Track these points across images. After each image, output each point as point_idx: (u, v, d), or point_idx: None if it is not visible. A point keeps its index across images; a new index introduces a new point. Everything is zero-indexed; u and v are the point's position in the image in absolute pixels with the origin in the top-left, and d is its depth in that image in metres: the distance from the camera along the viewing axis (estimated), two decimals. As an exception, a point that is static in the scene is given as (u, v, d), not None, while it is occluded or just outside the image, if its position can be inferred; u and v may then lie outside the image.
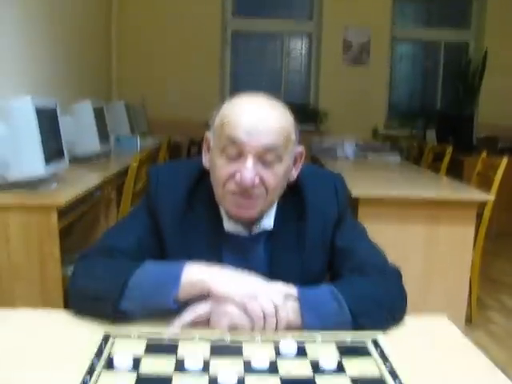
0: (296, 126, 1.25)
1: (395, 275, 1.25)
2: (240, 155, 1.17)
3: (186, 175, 1.32)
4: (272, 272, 1.24)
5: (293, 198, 1.31)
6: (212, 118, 1.25)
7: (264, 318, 1.05)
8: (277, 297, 1.07)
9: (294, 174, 1.29)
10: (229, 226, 1.29)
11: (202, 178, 1.30)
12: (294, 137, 1.23)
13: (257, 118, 1.17)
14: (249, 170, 1.15)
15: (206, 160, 1.28)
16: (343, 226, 1.34)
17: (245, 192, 1.18)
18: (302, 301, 1.10)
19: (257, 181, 1.17)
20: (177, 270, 1.11)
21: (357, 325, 1.09)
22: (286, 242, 1.30)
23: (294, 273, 1.26)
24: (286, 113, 1.23)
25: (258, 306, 1.06)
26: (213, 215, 1.29)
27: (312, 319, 1.08)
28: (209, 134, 1.27)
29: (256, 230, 1.29)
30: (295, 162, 1.28)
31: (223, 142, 1.18)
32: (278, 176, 1.20)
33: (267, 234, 1.31)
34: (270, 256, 1.30)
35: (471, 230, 2.94)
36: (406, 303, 1.21)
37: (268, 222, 1.30)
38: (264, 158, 1.17)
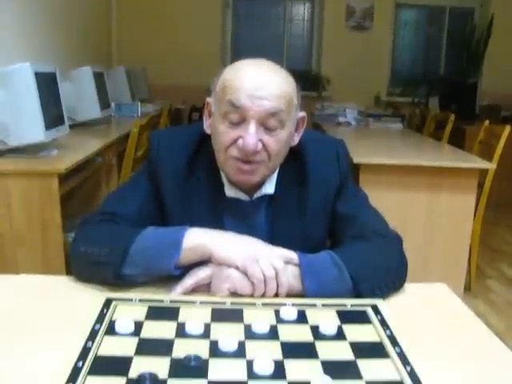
0: (298, 91, 1.24)
1: (396, 241, 1.26)
2: (242, 120, 1.16)
3: (187, 140, 1.31)
4: (273, 237, 1.24)
5: (294, 163, 1.31)
6: (213, 82, 1.24)
7: (265, 281, 1.06)
8: (277, 261, 1.08)
9: (296, 139, 1.29)
10: (230, 191, 1.29)
11: (203, 144, 1.30)
12: (296, 102, 1.22)
13: (259, 83, 1.15)
14: (251, 135, 1.14)
15: (206, 125, 1.28)
16: (345, 192, 1.33)
17: (247, 157, 1.17)
18: (303, 266, 1.10)
19: (259, 146, 1.16)
20: (178, 236, 1.11)
21: (357, 290, 1.10)
22: (287, 208, 1.30)
23: (294, 238, 1.26)
24: (288, 78, 1.22)
25: (258, 270, 1.06)
26: (214, 180, 1.29)
27: (312, 284, 1.09)
28: (210, 100, 1.26)
29: (257, 195, 1.29)
30: (297, 127, 1.27)
31: (225, 107, 1.17)
32: (280, 141, 1.19)
33: (268, 200, 1.31)
34: (270, 221, 1.30)
35: (472, 199, 2.94)
36: (407, 269, 1.21)
37: (269, 187, 1.29)
38: (266, 123, 1.16)
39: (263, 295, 1.07)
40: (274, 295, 1.07)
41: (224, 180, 1.29)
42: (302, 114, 1.28)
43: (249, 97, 1.14)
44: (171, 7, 6.16)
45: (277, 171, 1.30)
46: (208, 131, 1.27)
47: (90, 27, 5.18)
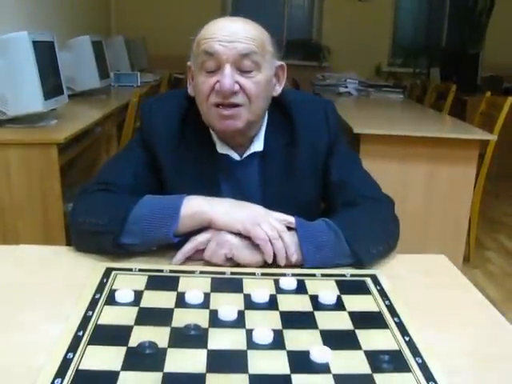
0: (274, 42, 1.27)
1: (388, 203, 1.29)
2: (218, 67, 1.19)
3: (176, 105, 1.33)
4: (265, 195, 1.27)
5: (283, 122, 1.32)
6: (191, 45, 1.26)
7: (270, 242, 1.06)
8: (279, 223, 1.09)
9: (278, 89, 1.31)
10: (221, 150, 1.30)
11: (191, 107, 1.30)
12: (270, 48, 1.25)
13: (229, 29, 1.19)
14: (227, 76, 1.17)
15: (190, 88, 1.29)
16: (336, 156, 1.34)
17: (226, 100, 1.19)
18: (300, 231, 1.11)
19: (236, 87, 1.18)
20: (176, 203, 1.11)
21: (353, 252, 1.10)
22: (278, 166, 1.31)
23: (286, 196, 1.28)
24: (260, 27, 1.25)
25: (262, 231, 1.07)
26: (205, 141, 1.30)
27: (311, 250, 1.09)
28: (190, 63, 1.28)
29: (247, 152, 1.31)
30: (278, 77, 1.30)
31: (201, 58, 1.20)
32: (258, 84, 1.21)
33: (259, 157, 1.32)
34: (262, 179, 1.32)
35: (472, 170, 2.94)
36: (399, 229, 1.24)
37: (258, 145, 1.31)
38: (241, 65, 1.19)
39: (274, 259, 1.07)
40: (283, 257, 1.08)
41: (215, 138, 1.30)
42: (281, 62, 1.29)
43: (220, 42, 1.18)
44: (170, -25, 6.08)
45: (264, 128, 1.32)
46: (192, 94, 1.28)
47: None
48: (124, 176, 1.26)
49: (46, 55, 2.51)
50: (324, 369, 0.77)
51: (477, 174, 3.08)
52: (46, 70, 2.47)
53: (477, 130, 3.07)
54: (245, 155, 1.31)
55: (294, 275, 1.05)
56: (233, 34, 1.18)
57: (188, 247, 1.10)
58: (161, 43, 5.99)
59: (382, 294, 1.01)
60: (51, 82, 2.56)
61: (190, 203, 1.11)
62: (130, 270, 1.06)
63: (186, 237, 1.12)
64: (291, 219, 1.12)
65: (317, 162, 1.33)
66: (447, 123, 3.53)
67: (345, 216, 1.19)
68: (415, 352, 0.82)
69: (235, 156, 1.31)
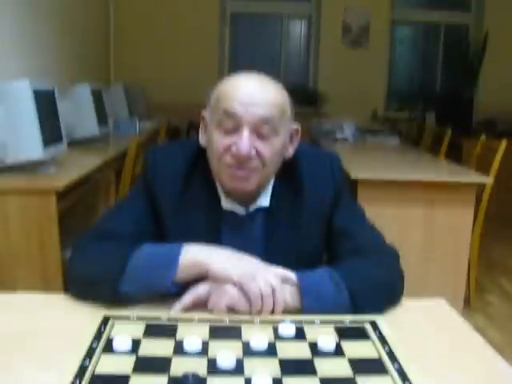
0: (291, 103, 1.26)
1: (393, 256, 1.26)
2: (236, 128, 1.18)
3: (183, 155, 1.32)
4: (268, 250, 1.26)
5: (289, 176, 1.32)
6: (208, 95, 1.26)
7: (262, 298, 1.06)
8: (274, 279, 1.08)
9: (291, 150, 1.30)
10: (226, 203, 1.29)
11: (199, 158, 1.30)
12: (289, 112, 1.24)
13: (252, 91, 1.18)
14: (245, 140, 1.16)
15: (202, 138, 1.29)
16: (341, 206, 1.34)
17: (241, 163, 1.18)
18: (302, 284, 1.10)
19: (253, 152, 1.18)
20: (174, 252, 1.11)
21: (355, 307, 1.10)
22: (282, 221, 1.30)
23: (289, 251, 1.27)
24: (280, 88, 1.25)
25: (255, 287, 1.06)
26: (210, 193, 1.30)
27: (311, 302, 1.09)
28: (205, 112, 1.28)
29: (253, 207, 1.30)
30: (291, 138, 1.29)
31: (219, 115, 1.19)
32: (273, 149, 1.20)
33: (264, 212, 1.31)
34: (266, 234, 1.30)
35: (470, 213, 2.94)
36: (403, 283, 1.22)
37: (264, 200, 1.30)
38: (260, 130, 1.18)
39: (259, 312, 1.06)
40: (270, 313, 1.07)
41: (220, 192, 1.29)
42: (296, 125, 1.29)
43: (242, 104, 1.16)
44: (169, 25, 6.20)
45: (271, 183, 1.31)
46: (203, 144, 1.28)
47: (88, 45, 5.21)
48: (124, 223, 1.25)
49: (46, 103, 2.55)
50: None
51: (475, 217, 3.08)
52: (46, 117, 2.50)
53: (473, 173, 3.09)
54: (250, 209, 1.30)
55: (292, 322, 1.04)
56: (255, 97, 1.17)
57: (187, 299, 1.09)
58: (159, 91, 6.07)
59: (382, 339, 1.00)
60: (51, 129, 2.58)
61: (188, 252, 1.11)
62: (128, 317, 1.05)
63: (185, 285, 1.11)
64: (291, 275, 1.11)
65: (322, 215, 1.33)
66: (444, 167, 3.56)
67: (348, 266, 1.18)
68: (416, 399, 0.81)
69: (240, 210, 1.30)
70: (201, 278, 1.11)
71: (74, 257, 1.21)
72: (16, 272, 2.30)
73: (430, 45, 6.90)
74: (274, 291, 1.06)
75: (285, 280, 1.10)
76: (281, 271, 1.12)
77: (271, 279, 1.07)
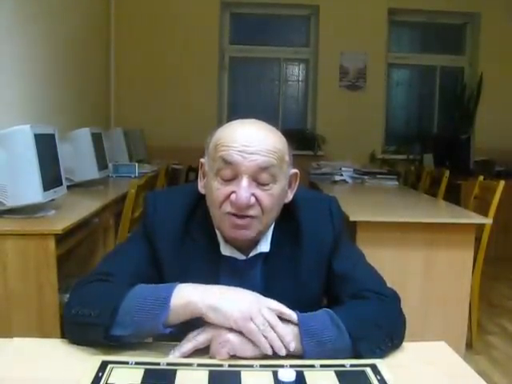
0: (290, 149, 1.27)
1: (394, 299, 1.26)
2: (235, 176, 1.18)
3: (183, 201, 1.32)
4: (267, 293, 1.24)
5: (288, 221, 1.31)
6: (206, 143, 1.27)
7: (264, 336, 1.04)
8: (270, 315, 1.07)
9: (290, 195, 1.30)
10: (225, 250, 1.29)
11: (198, 204, 1.31)
12: (287, 158, 1.25)
13: (250, 139, 1.18)
14: (244, 189, 1.16)
15: (201, 185, 1.29)
16: (340, 250, 1.33)
17: (241, 212, 1.18)
18: (302, 327, 1.09)
19: (252, 200, 1.18)
20: (166, 293, 1.09)
21: (356, 350, 1.09)
22: (282, 267, 1.29)
23: (288, 297, 1.25)
24: (279, 135, 1.25)
25: (253, 327, 1.05)
26: (210, 240, 1.29)
27: (312, 346, 1.08)
28: (203, 160, 1.28)
29: (252, 253, 1.29)
30: (290, 184, 1.29)
31: (218, 164, 1.19)
32: (273, 196, 1.20)
33: (263, 258, 1.30)
34: (265, 279, 1.29)
35: (470, 254, 2.93)
36: (405, 327, 1.21)
37: (264, 246, 1.29)
38: (259, 178, 1.18)
39: (268, 350, 1.05)
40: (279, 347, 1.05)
41: (219, 239, 1.29)
42: (295, 170, 1.30)
43: (240, 153, 1.17)
44: (169, 69, 6.29)
45: (271, 229, 1.30)
46: (202, 191, 1.28)
47: (89, 90, 5.27)
48: (123, 267, 1.25)
49: (46, 147, 2.57)
50: None
51: (474, 258, 3.07)
52: (47, 161, 2.51)
53: (472, 215, 3.10)
54: (250, 255, 1.29)
55: (292, 366, 1.03)
56: (253, 144, 1.17)
57: (187, 347, 1.07)
58: (159, 135, 6.12)
59: (383, 383, 0.98)
60: (51, 173, 2.60)
61: (180, 293, 1.10)
62: (127, 362, 1.04)
63: (179, 326, 1.10)
64: (292, 314, 1.11)
65: (321, 259, 1.31)
66: (442, 208, 3.56)
67: (349, 309, 1.18)
68: None
69: (239, 256, 1.29)
70: (196, 320, 1.09)
71: (70, 300, 1.20)
72: (13, 315, 2.27)
73: (427, 86, 6.98)
74: (272, 327, 1.05)
75: (286, 318, 1.10)
76: (276, 304, 1.10)
77: (268, 316, 1.07)
